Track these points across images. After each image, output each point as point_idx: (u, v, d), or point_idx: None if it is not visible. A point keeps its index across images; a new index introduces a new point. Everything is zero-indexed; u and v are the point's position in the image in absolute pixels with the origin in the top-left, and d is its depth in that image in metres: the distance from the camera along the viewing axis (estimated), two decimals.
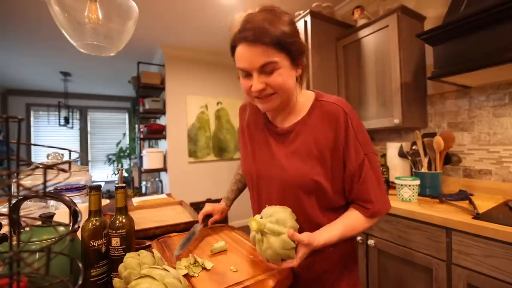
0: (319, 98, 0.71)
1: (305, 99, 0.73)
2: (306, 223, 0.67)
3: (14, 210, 0.48)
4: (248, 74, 0.62)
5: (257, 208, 0.79)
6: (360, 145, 0.66)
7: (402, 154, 1.61)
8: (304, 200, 0.68)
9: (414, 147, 1.54)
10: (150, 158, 3.16)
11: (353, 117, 0.67)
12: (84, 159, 5.25)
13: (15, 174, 0.27)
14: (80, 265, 0.34)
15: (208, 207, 0.90)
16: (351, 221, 0.66)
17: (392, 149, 1.69)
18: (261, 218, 0.61)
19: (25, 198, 0.52)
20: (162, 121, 3.58)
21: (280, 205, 0.65)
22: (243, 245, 0.78)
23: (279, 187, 0.70)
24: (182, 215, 1.12)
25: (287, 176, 0.68)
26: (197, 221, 0.91)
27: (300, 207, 0.67)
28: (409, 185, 1.32)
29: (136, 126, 3.75)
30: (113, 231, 0.61)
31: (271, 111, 0.74)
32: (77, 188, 0.82)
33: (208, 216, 0.91)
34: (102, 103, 5.51)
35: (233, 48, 0.64)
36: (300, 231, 0.61)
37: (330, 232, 0.63)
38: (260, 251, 0.60)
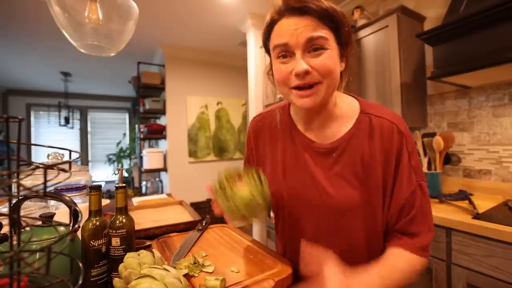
0: (366, 110, 0.60)
1: (347, 106, 0.62)
2: (346, 254, 0.58)
3: (14, 210, 0.48)
4: (286, 56, 0.52)
5: (282, 230, 0.71)
6: (414, 171, 0.56)
7: None
8: (346, 227, 0.60)
9: None
10: (150, 158, 3.16)
11: (409, 139, 0.57)
12: (84, 159, 5.25)
13: (15, 174, 0.27)
14: (80, 265, 0.34)
15: None
16: (393, 264, 0.55)
17: None
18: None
19: (26, 198, 0.52)
20: (162, 121, 3.58)
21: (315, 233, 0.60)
22: (243, 245, 0.78)
23: (319, 212, 0.62)
24: (182, 215, 1.12)
25: (333, 202, 0.59)
26: (193, 230, 0.92)
27: (341, 233, 0.61)
28: None
29: (136, 126, 3.75)
30: (113, 231, 0.61)
31: (310, 110, 0.60)
32: (77, 188, 0.82)
33: (203, 221, 0.91)
34: (102, 103, 5.52)
35: (271, 25, 0.54)
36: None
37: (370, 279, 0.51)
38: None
